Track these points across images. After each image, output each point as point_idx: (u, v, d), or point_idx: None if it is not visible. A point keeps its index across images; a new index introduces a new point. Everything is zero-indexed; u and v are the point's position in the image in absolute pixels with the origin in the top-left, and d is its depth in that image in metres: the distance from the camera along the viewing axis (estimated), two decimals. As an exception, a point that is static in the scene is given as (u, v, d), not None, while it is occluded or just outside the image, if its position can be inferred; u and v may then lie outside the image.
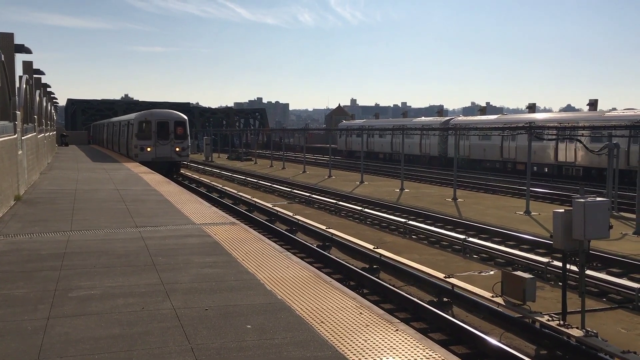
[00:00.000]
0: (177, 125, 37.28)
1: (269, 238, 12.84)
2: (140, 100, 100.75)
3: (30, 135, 22.43)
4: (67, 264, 9.08)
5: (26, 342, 5.83)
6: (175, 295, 7.44)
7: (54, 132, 52.40)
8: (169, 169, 36.47)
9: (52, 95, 49.43)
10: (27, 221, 13.08)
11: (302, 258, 12.78)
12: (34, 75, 30.76)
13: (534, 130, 25.70)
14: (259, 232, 11.17)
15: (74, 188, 19.68)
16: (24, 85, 22.74)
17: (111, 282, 8.04)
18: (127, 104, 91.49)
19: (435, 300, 11.85)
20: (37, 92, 31.25)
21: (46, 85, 40.11)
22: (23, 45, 21.47)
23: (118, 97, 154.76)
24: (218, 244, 10.63)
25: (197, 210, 14.58)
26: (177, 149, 37.00)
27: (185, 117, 38.75)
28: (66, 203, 15.90)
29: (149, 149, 36.37)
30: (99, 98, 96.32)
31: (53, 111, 53.32)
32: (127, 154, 40.18)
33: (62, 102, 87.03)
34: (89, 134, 75.46)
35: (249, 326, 6.33)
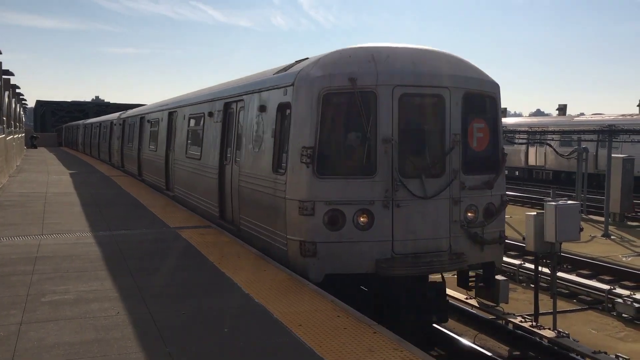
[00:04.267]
0: (474, 112, 9.25)
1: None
2: (111, 102, 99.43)
3: (-1, 137, 21.99)
4: (39, 268, 8.92)
5: (-2, 348, 5.72)
6: (150, 300, 7.36)
7: (23, 134, 51.43)
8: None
9: (21, 97, 48.55)
10: (-4, 225, 12.81)
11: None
12: (3, 76, 30.15)
13: (505, 135, 26.06)
14: (233, 236, 11.10)
15: (44, 191, 19.35)
16: (-7, 86, 22.29)
17: (85, 287, 7.92)
18: (99, 106, 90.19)
19: (410, 302, 11.86)
20: (6, 93, 30.66)
21: (15, 87, 39.38)
22: (-8, 45, 21.03)
23: (88, 99, 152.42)
24: (193, 247, 10.55)
25: (172, 213, 14.45)
26: (471, 214, 9.04)
27: (495, 82, 9.60)
28: (37, 206, 15.62)
29: (363, 219, 8.48)
30: (69, 100, 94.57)
31: (22, 113, 52.38)
32: (229, 216, 11.91)
33: (31, 103, 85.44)
34: (59, 136, 74.15)
35: (226, 329, 6.31)
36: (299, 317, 6.71)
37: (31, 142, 59.74)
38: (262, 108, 10.08)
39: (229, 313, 6.88)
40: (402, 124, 8.65)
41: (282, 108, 9.36)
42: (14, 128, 34.71)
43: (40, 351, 5.64)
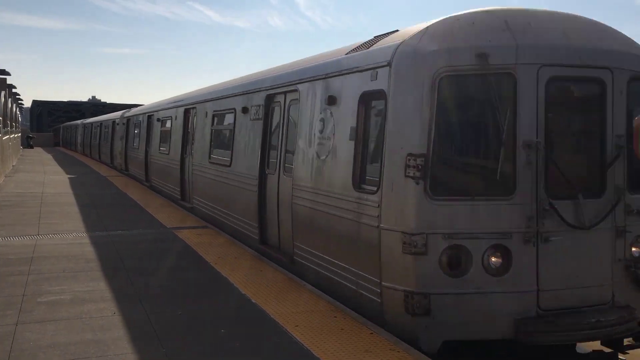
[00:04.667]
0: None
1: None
2: (108, 102, 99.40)
3: (-5, 137, 21.95)
4: (35, 268, 8.90)
5: (-6, 348, 5.70)
6: (147, 300, 7.35)
7: (19, 134, 51.29)
8: None
9: (17, 97, 48.44)
10: (-8, 225, 12.78)
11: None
12: (0, 76, 30.11)
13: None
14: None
15: (41, 191, 19.31)
16: (-11, 86, 22.23)
17: (81, 287, 7.90)
18: (95, 106, 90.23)
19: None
20: (3, 92, 30.59)
21: (12, 86, 39.29)
22: (-12, 45, 21.00)
23: (85, 99, 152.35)
24: (190, 247, 10.54)
25: (169, 214, 14.44)
26: (636, 249, 6.48)
27: None
28: (34, 207, 15.58)
29: (496, 260, 5.96)
30: (65, 100, 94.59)
31: (18, 112, 52.23)
32: (274, 242, 9.65)
33: (27, 103, 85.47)
34: (55, 136, 74.11)
35: (222, 330, 6.30)
36: (296, 317, 6.70)
37: (27, 142, 59.66)
38: (332, 100, 7.53)
39: (226, 314, 6.87)
40: (551, 120, 6.04)
41: (369, 98, 6.84)
42: (11, 128, 34.63)
43: (37, 351, 5.62)
